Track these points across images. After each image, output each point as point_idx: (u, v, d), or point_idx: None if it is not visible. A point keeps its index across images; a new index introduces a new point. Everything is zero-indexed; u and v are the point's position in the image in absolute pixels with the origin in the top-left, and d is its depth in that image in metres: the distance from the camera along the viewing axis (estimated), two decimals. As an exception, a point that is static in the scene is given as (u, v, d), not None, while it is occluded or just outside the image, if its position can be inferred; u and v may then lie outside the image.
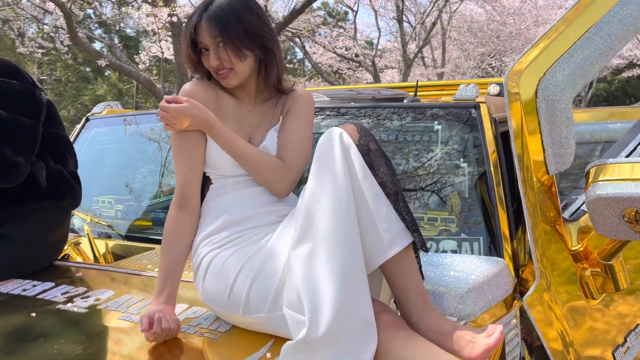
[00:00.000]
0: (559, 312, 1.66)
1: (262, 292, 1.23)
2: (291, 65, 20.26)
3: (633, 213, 1.32)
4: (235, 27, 1.35)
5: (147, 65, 12.94)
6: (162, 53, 11.77)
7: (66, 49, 11.63)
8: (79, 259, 2.09)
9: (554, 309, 1.65)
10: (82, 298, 1.51)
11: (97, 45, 15.90)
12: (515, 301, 1.54)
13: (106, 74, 22.21)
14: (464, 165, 1.80)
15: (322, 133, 1.27)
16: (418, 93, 2.38)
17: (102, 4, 12.38)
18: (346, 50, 14.26)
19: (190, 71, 1.49)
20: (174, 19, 8.68)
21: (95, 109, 2.68)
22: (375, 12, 14.10)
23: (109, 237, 2.15)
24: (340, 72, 16.55)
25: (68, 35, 8.97)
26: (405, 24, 13.76)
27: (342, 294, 1.06)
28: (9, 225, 1.68)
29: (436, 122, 1.86)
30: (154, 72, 17.91)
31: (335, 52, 13.83)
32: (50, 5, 9.43)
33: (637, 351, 1.82)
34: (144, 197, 2.36)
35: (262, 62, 1.44)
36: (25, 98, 1.70)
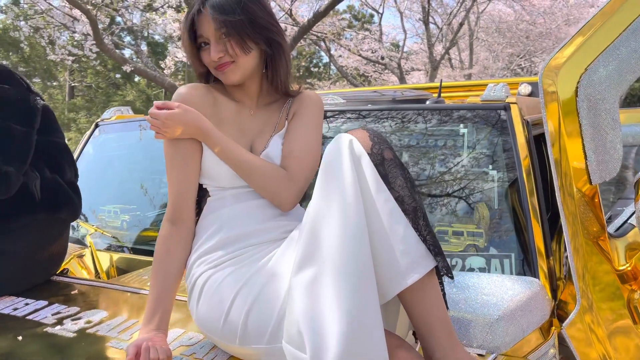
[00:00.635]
0: (601, 334, 1.47)
1: (261, 320, 1.08)
2: (316, 69, 20.15)
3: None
4: (240, 16, 1.22)
5: (173, 70, 12.99)
6: (187, 58, 11.75)
7: (95, 55, 11.74)
8: (83, 272, 1.98)
9: (596, 331, 1.47)
10: (72, 320, 1.39)
11: (127, 52, 16.10)
12: (553, 327, 1.36)
13: (135, 80, 22.49)
14: (493, 172, 1.63)
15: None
16: (442, 94, 2.21)
17: (129, 10, 12.49)
18: (372, 52, 14.10)
19: (195, 69, 1.36)
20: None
21: (105, 115, 2.58)
22: (401, 13, 13.90)
23: (113, 249, 2.03)
24: (366, 75, 16.37)
25: (94, 42, 9.02)
26: (431, 26, 13.52)
27: (350, 328, 0.91)
28: (1, 240, 1.56)
29: (462, 125, 1.69)
30: (179, 77, 18.03)
31: (360, 55, 13.68)
32: (77, 12, 9.51)
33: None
34: (152, 207, 2.24)
35: (267, 59, 1.31)
36: (17, 103, 1.59)
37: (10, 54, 19.49)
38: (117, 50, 9.96)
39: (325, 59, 20.84)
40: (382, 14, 13.82)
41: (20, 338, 1.30)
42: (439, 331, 1.03)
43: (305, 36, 11.18)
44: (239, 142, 1.28)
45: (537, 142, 1.83)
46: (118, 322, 1.36)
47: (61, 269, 1.81)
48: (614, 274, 1.49)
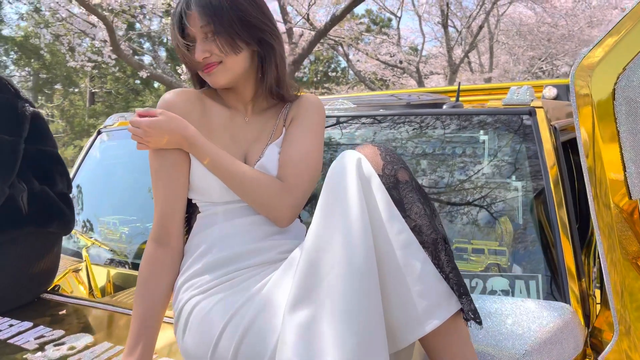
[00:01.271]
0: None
1: (253, 355, 0.95)
2: (334, 74, 20.04)
3: None
4: (229, 14, 1.10)
5: (190, 76, 12.96)
6: (204, 63, 11.75)
7: (113, 62, 11.79)
8: (80, 288, 1.88)
9: (634, 357, 1.31)
10: (55, 345, 1.28)
11: (146, 58, 16.15)
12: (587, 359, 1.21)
13: (155, 85, 22.62)
14: (517, 182, 1.48)
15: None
16: (461, 98, 2.07)
17: (147, 16, 12.52)
18: (390, 56, 13.95)
19: (188, 69, 1.23)
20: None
21: (108, 121, 2.48)
22: (419, 17, 13.73)
23: (110, 263, 1.92)
24: (384, 79, 16.22)
25: (111, 48, 9.03)
26: (450, 29, 13.32)
27: None
28: (-15, 255, 1.46)
29: (482, 132, 1.54)
30: (197, 82, 18.02)
31: (378, 59, 13.53)
32: (95, 19, 9.54)
33: None
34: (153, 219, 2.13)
35: (259, 60, 1.18)
36: (3, 111, 1.49)
37: (32, 60, 19.73)
38: (135, 57, 9.97)
39: (344, 64, 20.71)
40: (400, 18, 13.66)
41: (-3, 366, 1.19)
42: None
43: (322, 40, 11.08)
44: (232, 151, 1.15)
45: (565, 150, 1.68)
46: (103, 350, 1.24)
47: (53, 285, 1.70)
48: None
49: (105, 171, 2.35)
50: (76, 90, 22.54)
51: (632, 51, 1.15)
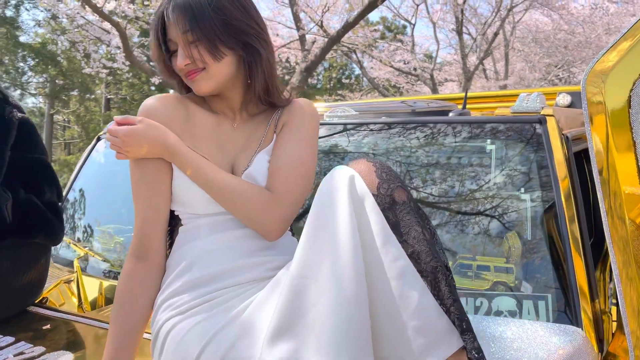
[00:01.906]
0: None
1: (232, 384, 0.87)
2: (348, 81, 20.00)
3: None
4: (212, 18, 1.03)
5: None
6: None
7: (127, 68, 11.85)
8: (73, 300, 1.81)
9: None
10: (33, 363, 1.21)
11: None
12: (600, 389, 1.12)
13: (170, 92, 22.74)
14: (526, 195, 1.39)
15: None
16: (469, 105, 1.98)
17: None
18: (404, 64, 13.86)
19: (165, 77, 1.17)
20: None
21: (109, 127, 2.43)
22: (434, 24, 13.63)
23: (104, 275, 1.86)
24: (398, 86, 16.13)
25: (124, 54, 9.06)
26: (465, 36, 13.20)
27: None
28: (-33, 267, 1.41)
29: (489, 141, 1.46)
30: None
31: (392, 66, 13.45)
32: (108, 25, 9.59)
33: None
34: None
35: (246, 66, 1.11)
36: (-12, 116, 1.44)
37: (49, 67, 19.96)
38: (148, 63, 9.99)
39: (358, 71, 20.65)
40: (414, 25, 13.58)
41: (-29, 385, 1.13)
42: None
43: (336, 47, 11.03)
44: (218, 159, 1.08)
45: (578, 160, 1.59)
46: (81, 369, 1.17)
47: (41, 297, 1.64)
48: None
49: (104, 178, 2.30)
50: (92, 96, 22.76)
51: (649, 55, 1.06)
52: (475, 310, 1.27)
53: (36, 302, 1.61)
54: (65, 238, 2.10)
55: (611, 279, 1.69)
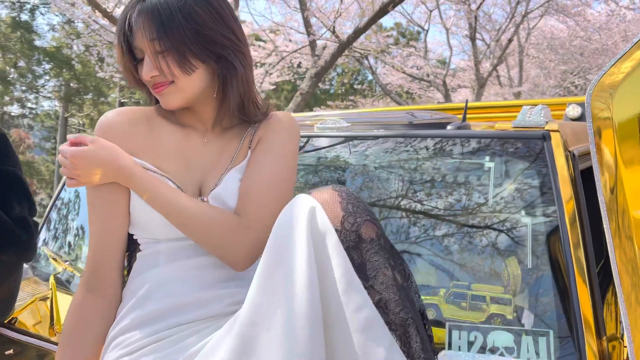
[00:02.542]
0: None
1: None
2: (360, 86, 19.90)
3: None
4: (182, 27, 0.93)
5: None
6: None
7: (138, 72, 11.85)
8: (55, 317, 1.72)
9: None
10: (-16, 396, 1.12)
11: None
12: None
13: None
14: (527, 218, 1.27)
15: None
16: (471, 116, 1.86)
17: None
18: (417, 69, 13.74)
19: (131, 87, 1.07)
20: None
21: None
22: (447, 30, 13.50)
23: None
24: (411, 92, 16.01)
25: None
26: (479, 42, 13.05)
27: None
28: None
29: (487, 158, 1.34)
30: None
31: (404, 72, 13.34)
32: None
33: None
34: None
35: (220, 79, 1.01)
36: (-48, 126, 1.35)
37: (64, 71, 20.11)
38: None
39: (370, 77, 20.52)
40: (427, 31, 13.46)
41: None
42: None
43: (348, 53, 10.94)
44: (184, 178, 0.98)
45: (587, 178, 1.47)
46: (33, 405, 1.07)
47: (10, 317, 1.55)
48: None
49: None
50: (106, 100, 22.89)
51: (664, 67, 0.95)
52: (469, 346, 1.15)
53: (5, 322, 1.53)
54: (48, 252, 2.02)
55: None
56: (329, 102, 17.98)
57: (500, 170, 1.32)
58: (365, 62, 12.63)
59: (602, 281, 1.54)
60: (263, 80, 11.01)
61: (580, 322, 1.13)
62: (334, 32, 9.76)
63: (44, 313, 1.71)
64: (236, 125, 1.06)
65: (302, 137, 1.58)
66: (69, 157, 0.92)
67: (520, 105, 1.53)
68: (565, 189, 1.24)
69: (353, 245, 0.72)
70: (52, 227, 2.13)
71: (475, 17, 11.82)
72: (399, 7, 11.43)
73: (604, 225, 1.06)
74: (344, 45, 8.58)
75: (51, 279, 1.76)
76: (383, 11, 7.55)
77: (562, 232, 1.22)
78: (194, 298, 0.92)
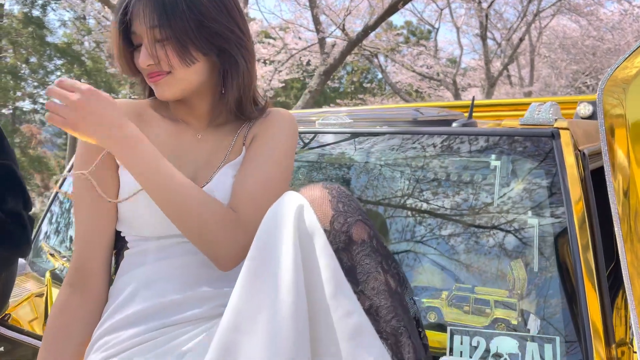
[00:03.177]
0: None
1: None
2: (369, 85, 19.84)
3: None
4: (186, 17, 0.88)
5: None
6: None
7: (147, 68, 11.87)
8: (51, 317, 1.70)
9: None
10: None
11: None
12: None
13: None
14: (534, 220, 1.23)
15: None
16: (481, 114, 1.81)
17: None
18: (427, 68, 13.67)
19: (125, 74, 1.03)
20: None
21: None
22: (458, 29, 13.40)
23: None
24: (420, 91, 15.93)
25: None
26: (490, 41, 12.94)
27: None
28: None
29: (493, 156, 1.29)
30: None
31: (414, 71, 13.27)
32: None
33: None
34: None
35: (221, 74, 0.97)
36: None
37: (75, 66, 20.22)
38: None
39: (380, 75, 20.46)
40: (437, 29, 13.38)
41: None
42: None
43: (357, 51, 10.89)
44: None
45: (599, 178, 1.41)
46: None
47: (3, 314, 1.52)
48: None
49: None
50: (117, 96, 23.01)
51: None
52: (471, 352, 1.11)
53: (-1, 318, 1.50)
54: (46, 247, 1.99)
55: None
56: (338, 100, 17.92)
57: (507, 169, 1.27)
58: (375, 60, 12.57)
59: (612, 285, 1.49)
60: (272, 78, 10.99)
61: (588, 328, 1.08)
62: (343, 29, 9.71)
63: (39, 310, 1.68)
64: (231, 122, 1.02)
65: (302, 133, 1.54)
66: (75, 100, 0.80)
67: (529, 103, 1.48)
68: (575, 190, 1.20)
69: (343, 247, 0.68)
70: (53, 220, 2.11)
71: (487, 16, 11.72)
72: (409, 6, 11.36)
73: (615, 228, 1.02)
74: (354, 43, 8.54)
75: (47, 274, 1.73)
76: (393, 8, 7.50)
77: (571, 234, 1.17)
78: (181, 298, 0.88)
